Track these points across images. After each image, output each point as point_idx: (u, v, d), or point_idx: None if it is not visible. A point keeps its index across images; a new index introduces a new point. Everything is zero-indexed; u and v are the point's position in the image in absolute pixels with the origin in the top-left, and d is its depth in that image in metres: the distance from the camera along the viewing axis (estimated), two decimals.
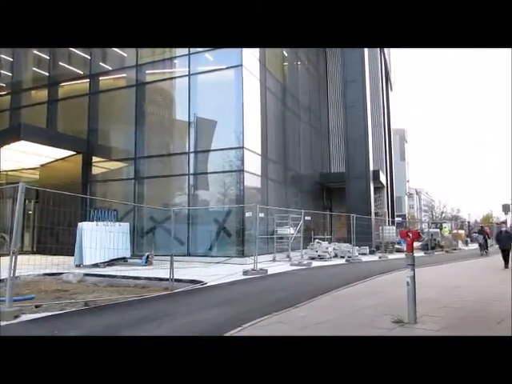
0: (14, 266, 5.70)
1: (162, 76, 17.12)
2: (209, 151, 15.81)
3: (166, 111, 17.36)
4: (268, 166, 17.58)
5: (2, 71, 21.52)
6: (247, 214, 14.24)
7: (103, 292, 8.82)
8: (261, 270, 11.39)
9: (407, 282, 5.46)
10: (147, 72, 17.15)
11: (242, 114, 14.95)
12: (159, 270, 11.29)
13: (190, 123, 15.83)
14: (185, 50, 16.01)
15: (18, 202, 5.80)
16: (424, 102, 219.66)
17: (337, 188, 26.40)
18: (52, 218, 16.77)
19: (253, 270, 11.22)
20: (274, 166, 18.56)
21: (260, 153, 16.56)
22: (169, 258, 9.43)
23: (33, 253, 17.24)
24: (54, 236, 16.71)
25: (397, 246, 21.95)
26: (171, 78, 17.00)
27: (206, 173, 15.77)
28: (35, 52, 20.60)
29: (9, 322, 5.43)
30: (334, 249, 17.53)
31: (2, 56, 21.54)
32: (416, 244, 18.37)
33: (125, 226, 14.04)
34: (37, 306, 6.78)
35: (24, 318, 5.76)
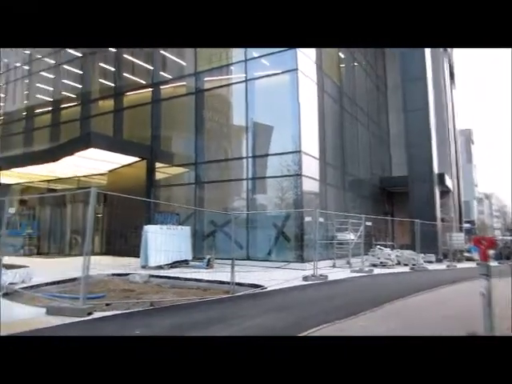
0: (88, 266, 6.02)
1: (220, 83, 17.47)
2: (266, 156, 15.86)
3: (223, 117, 17.70)
4: (326, 170, 17.29)
5: (72, 83, 23.11)
6: (307, 219, 14.06)
7: (167, 293, 9.08)
8: (321, 276, 11.17)
9: (482, 294, 5.05)
10: (205, 79, 17.58)
11: (298, 118, 14.84)
12: (220, 273, 11.46)
13: (247, 128, 16.00)
14: (241, 56, 16.23)
15: (90, 205, 6.12)
16: (490, 99, 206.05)
17: (399, 192, 25.38)
18: (120, 220, 17.75)
19: (313, 275, 11.03)
20: (332, 170, 18.23)
21: (318, 157, 16.34)
22: (228, 261, 9.54)
23: (102, 254, 18.25)
24: (122, 238, 17.62)
25: (466, 254, 20.64)
26: (228, 85, 17.30)
27: (264, 177, 15.83)
28: (102, 65, 21.92)
29: (82, 319, 5.73)
30: (396, 256, 16.84)
31: (73, 69, 23.13)
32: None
33: (186, 230, 14.43)
34: (107, 305, 7.12)
35: (96, 315, 6.06)
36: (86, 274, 6.05)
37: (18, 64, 26.60)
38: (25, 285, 8.61)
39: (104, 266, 12.78)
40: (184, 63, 18.59)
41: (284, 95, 15.71)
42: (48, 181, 21.32)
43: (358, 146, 22.46)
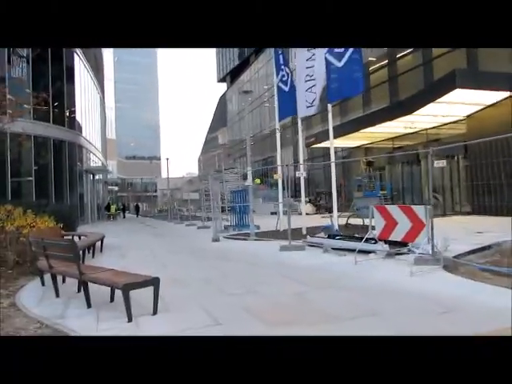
0: None
1: None
2: None
3: None
4: None
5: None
6: None
7: None
8: None
9: None
10: None
11: None
12: None
13: None
14: None
15: None
16: None
17: None
18: (486, 172, 14.95)
19: None
20: None
21: None
22: None
23: (466, 214, 16.05)
24: (491, 193, 14.89)
25: None
26: None
27: None
28: None
29: None
30: None
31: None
32: None
33: None
34: None
35: None
36: None
37: None
38: (448, 254, 7.35)
39: (488, 227, 10.76)
40: None
41: None
42: (392, 138, 20.58)
43: None
